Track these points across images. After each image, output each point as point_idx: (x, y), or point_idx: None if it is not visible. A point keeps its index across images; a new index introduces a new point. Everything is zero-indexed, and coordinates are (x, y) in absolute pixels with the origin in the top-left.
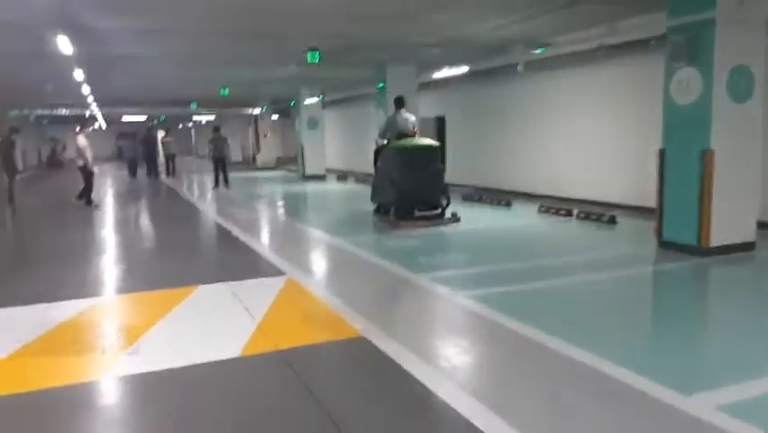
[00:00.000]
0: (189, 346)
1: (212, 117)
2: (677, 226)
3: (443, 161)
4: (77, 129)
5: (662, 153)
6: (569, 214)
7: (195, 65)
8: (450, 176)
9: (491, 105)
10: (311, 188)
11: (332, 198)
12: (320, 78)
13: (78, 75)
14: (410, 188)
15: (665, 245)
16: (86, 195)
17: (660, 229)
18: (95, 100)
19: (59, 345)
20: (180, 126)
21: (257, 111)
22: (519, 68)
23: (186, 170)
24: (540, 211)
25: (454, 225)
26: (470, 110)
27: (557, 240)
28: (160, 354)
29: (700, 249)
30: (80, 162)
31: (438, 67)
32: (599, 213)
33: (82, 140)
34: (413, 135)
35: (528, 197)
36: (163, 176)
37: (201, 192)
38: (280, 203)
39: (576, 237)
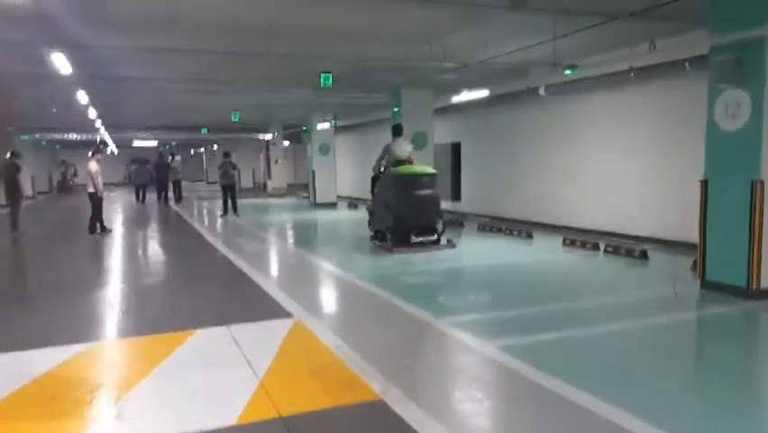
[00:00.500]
0: (179, 410)
1: (223, 143)
2: (722, 265)
3: (458, 189)
4: (90, 154)
5: (704, 184)
6: (595, 247)
7: (204, 87)
8: (466, 205)
9: (510, 131)
10: (322, 216)
11: (343, 228)
12: (333, 102)
13: (82, 97)
14: (407, 213)
15: (708, 286)
16: (94, 223)
17: (702, 268)
18: (103, 124)
19: (34, 406)
20: (192, 152)
21: (269, 137)
22: (541, 91)
23: (196, 196)
24: (565, 244)
25: (451, 250)
26: (487, 136)
27: (587, 278)
28: (145, 420)
29: (750, 292)
30: (90, 189)
31: (455, 90)
32: (629, 247)
33: (93, 165)
34: (410, 162)
35: (550, 228)
36: (172, 202)
37: (209, 220)
38: (290, 232)
39: (607, 275)
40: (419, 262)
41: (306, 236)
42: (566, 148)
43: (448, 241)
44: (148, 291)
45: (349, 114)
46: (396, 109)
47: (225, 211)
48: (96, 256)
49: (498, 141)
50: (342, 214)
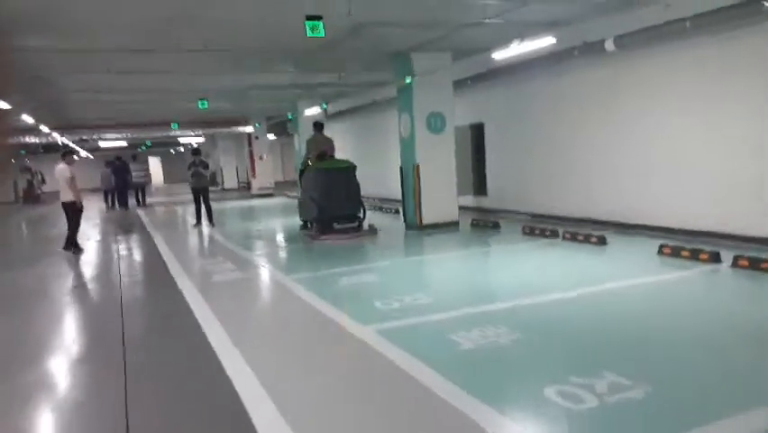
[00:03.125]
0: None
1: (201, 139)
2: None
3: (482, 179)
4: (61, 156)
5: None
6: (715, 259)
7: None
8: (494, 200)
9: (552, 105)
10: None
11: None
12: (322, 83)
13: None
14: (329, 204)
15: None
16: (73, 237)
17: None
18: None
19: None
20: (173, 152)
21: (249, 129)
22: (608, 45)
23: (170, 201)
24: (663, 254)
25: (373, 236)
26: (522, 113)
27: (749, 324)
28: None
29: None
30: (68, 197)
31: (480, 50)
32: None
33: (68, 170)
34: (331, 156)
35: (624, 229)
36: (138, 206)
37: (177, 231)
38: (276, 249)
39: None
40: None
41: (297, 257)
42: (639, 122)
43: (369, 226)
44: (36, 379)
45: (342, 96)
46: (409, 79)
47: (199, 220)
48: None
49: (539, 119)
50: None
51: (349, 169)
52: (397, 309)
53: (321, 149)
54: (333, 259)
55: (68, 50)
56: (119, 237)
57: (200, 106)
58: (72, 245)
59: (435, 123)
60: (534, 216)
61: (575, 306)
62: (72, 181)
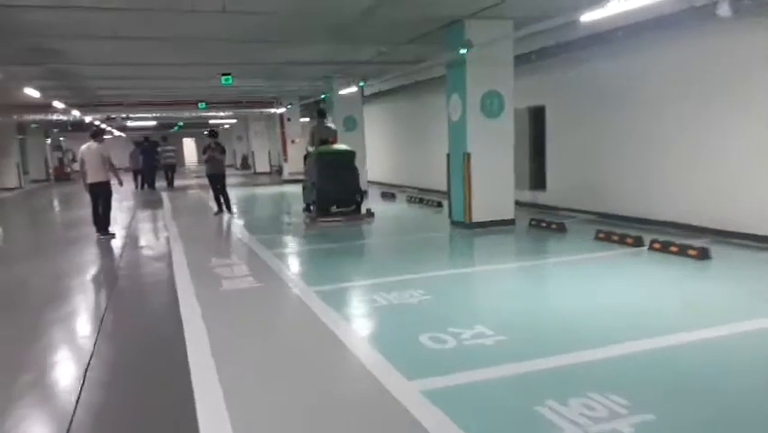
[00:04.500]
0: None
1: (232, 120)
2: None
3: (540, 171)
4: (91, 137)
5: None
6: None
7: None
8: (555, 196)
9: (637, 85)
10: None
11: (386, 238)
12: (360, 60)
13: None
14: (328, 188)
15: None
16: (108, 220)
17: None
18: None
19: None
20: (205, 133)
21: (282, 110)
22: (722, 10)
23: (202, 182)
24: None
25: (370, 220)
26: (592, 95)
27: None
28: None
29: None
30: (98, 178)
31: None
32: None
33: (102, 150)
34: (333, 142)
35: (725, 237)
36: (167, 187)
37: (196, 221)
38: (301, 248)
39: None
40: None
41: (331, 260)
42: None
43: (367, 211)
44: None
45: (381, 75)
46: (463, 50)
47: (220, 208)
48: None
49: (618, 101)
50: (375, 208)
51: (348, 155)
52: (452, 352)
53: (323, 137)
54: (366, 266)
55: (67, 5)
56: (132, 225)
57: (223, 82)
58: (106, 229)
59: (491, 104)
60: (604, 216)
61: (719, 354)
62: (109, 161)
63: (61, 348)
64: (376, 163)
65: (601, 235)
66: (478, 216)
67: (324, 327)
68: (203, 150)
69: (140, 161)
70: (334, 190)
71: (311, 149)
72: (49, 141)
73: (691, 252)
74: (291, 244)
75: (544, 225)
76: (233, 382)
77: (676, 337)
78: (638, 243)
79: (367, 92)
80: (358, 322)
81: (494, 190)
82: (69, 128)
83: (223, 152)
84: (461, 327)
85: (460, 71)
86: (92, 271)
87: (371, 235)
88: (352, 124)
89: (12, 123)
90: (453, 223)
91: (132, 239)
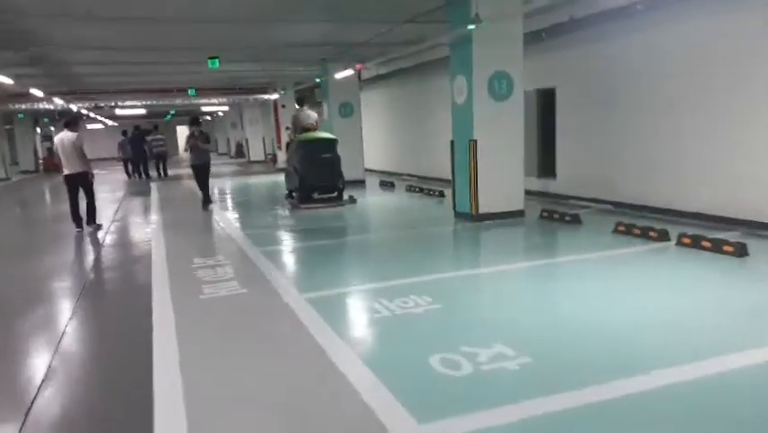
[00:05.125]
0: None
1: (225, 108)
2: None
3: (550, 158)
4: (64, 125)
5: None
6: None
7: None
8: (565, 184)
9: (660, 64)
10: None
11: (386, 233)
12: (356, 42)
13: None
14: (310, 175)
15: None
16: (94, 212)
17: None
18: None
19: None
20: (201, 121)
21: (275, 96)
22: None
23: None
24: None
25: (352, 206)
26: (607, 76)
27: None
28: None
29: None
30: (76, 168)
31: None
32: None
33: (77, 138)
34: (314, 129)
35: (746, 226)
36: (159, 177)
37: (183, 212)
38: (293, 246)
39: None
40: None
41: (319, 256)
42: None
43: (350, 197)
44: None
45: (378, 57)
46: (472, 25)
47: (206, 202)
48: None
49: (637, 82)
50: (374, 199)
51: (330, 142)
52: (469, 380)
53: (304, 124)
54: (365, 267)
55: None
56: (114, 220)
57: (210, 66)
58: (93, 221)
59: (500, 86)
60: (619, 206)
61: None
62: (82, 150)
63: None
64: (374, 151)
65: (621, 228)
66: (485, 208)
67: (317, 347)
68: (186, 139)
69: (128, 150)
70: (316, 177)
71: (290, 136)
72: (39, 131)
73: (727, 248)
74: (282, 241)
75: (556, 216)
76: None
77: (739, 358)
78: (664, 237)
79: (364, 76)
80: (356, 340)
81: (502, 180)
82: (57, 117)
83: (207, 140)
84: (476, 344)
85: (465, 51)
86: (61, 274)
87: (370, 230)
88: (348, 110)
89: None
90: (458, 215)
91: (111, 236)
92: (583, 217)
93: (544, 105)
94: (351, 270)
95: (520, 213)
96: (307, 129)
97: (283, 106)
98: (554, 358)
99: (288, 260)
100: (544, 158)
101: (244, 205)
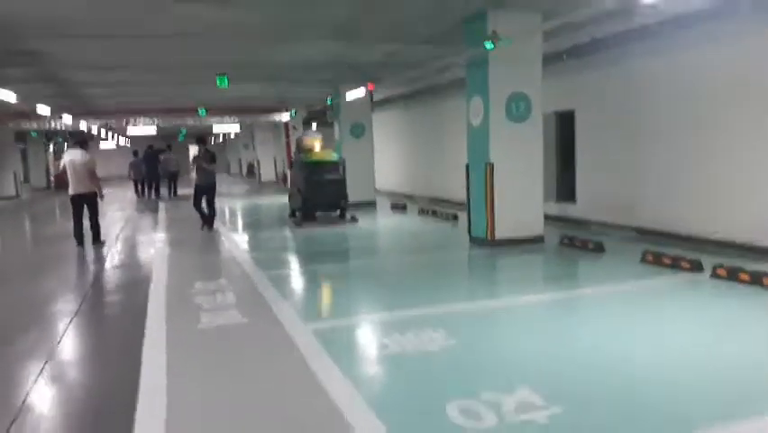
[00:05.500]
0: None
1: (236, 128)
2: None
3: (569, 181)
4: (74, 144)
5: None
6: None
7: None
8: (585, 207)
9: (689, 85)
10: (357, 231)
11: (398, 258)
12: (368, 62)
13: None
14: (313, 195)
15: None
16: (98, 229)
17: None
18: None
19: None
20: (213, 142)
21: (286, 117)
22: None
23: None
24: None
25: (354, 225)
26: (630, 97)
27: None
28: None
29: None
30: (85, 189)
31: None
32: None
33: (88, 158)
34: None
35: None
36: (170, 197)
37: (189, 233)
38: (300, 271)
39: None
40: None
41: (326, 283)
42: None
43: (351, 217)
44: None
45: (391, 78)
46: (490, 45)
47: (205, 222)
48: None
49: (664, 104)
50: (385, 222)
51: (334, 163)
52: None
53: (308, 145)
54: (375, 295)
55: None
56: (119, 238)
57: (219, 84)
58: (97, 239)
59: (518, 107)
60: (643, 232)
61: None
62: (93, 170)
63: None
64: (385, 172)
65: (649, 258)
66: (502, 233)
67: (320, 389)
68: (192, 159)
69: (142, 169)
70: (320, 197)
71: (296, 157)
72: (52, 148)
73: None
74: (289, 264)
75: (578, 244)
76: None
77: None
78: (696, 267)
79: (376, 98)
80: (364, 381)
81: (520, 204)
82: (69, 136)
83: (213, 159)
84: (499, 388)
85: (481, 71)
86: (54, 299)
87: (380, 254)
88: (360, 130)
89: (9, 131)
90: (473, 240)
91: (113, 256)
92: (607, 245)
93: (563, 128)
94: (360, 297)
95: (539, 239)
96: (311, 150)
97: (294, 128)
98: (590, 408)
99: (295, 285)
100: (564, 182)
101: (252, 225)
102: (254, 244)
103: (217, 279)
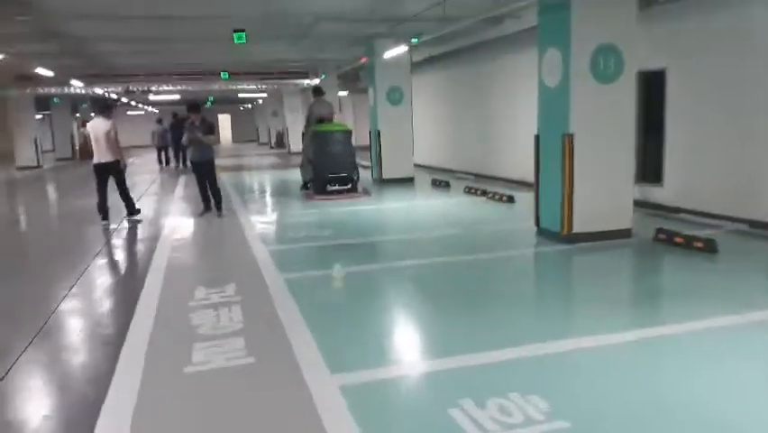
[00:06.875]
0: None
1: (263, 94)
2: None
3: (655, 159)
4: (98, 112)
5: None
6: None
7: None
8: (674, 193)
9: None
10: (390, 207)
11: (447, 259)
12: (410, 15)
13: None
14: (324, 165)
15: None
16: (130, 201)
17: None
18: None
19: None
20: (242, 108)
21: (315, 81)
22: None
23: (231, 163)
24: None
25: (367, 197)
26: (747, 51)
27: None
28: None
29: None
30: (107, 157)
31: None
32: None
33: (110, 126)
34: (329, 121)
35: None
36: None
37: (204, 218)
38: (328, 278)
39: None
40: None
41: (366, 309)
42: None
43: (364, 189)
44: None
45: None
46: None
47: (206, 207)
48: None
49: None
50: (425, 203)
51: (344, 132)
52: None
53: (320, 114)
54: (427, 323)
55: None
56: (121, 223)
57: (236, 40)
58: (133, 207)
59: (607, 63)
60: (757, 225)
61: None
62: (116, 138)
63: None
64: (425, 144)
65: None
66: (580, 226)
67: None
68: (186, 129)
69: (168, 138)
70: (331, 168)
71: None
72: (78, 116)
73: None
74: (314, 265)
75: (679, 241)
76: None
77: None
78: None
79: (415, 59)
80: None
81: (606, 188)
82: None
83: (209, 130)
84: None
85: (561, 15)
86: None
87: (425, 251)
88: (397, 96)
89: (26, 96)
90: (542, 232)
91: (106, 250)
92: (721, 240)
93: (648, 91)
94: (405, 326)
95: (626, 233)
96: (323, 120)
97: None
98: None
99: (320, 300)
100: (648, 159)
101: (275, 206)
102: (274, 232)
103: (224, 285)
